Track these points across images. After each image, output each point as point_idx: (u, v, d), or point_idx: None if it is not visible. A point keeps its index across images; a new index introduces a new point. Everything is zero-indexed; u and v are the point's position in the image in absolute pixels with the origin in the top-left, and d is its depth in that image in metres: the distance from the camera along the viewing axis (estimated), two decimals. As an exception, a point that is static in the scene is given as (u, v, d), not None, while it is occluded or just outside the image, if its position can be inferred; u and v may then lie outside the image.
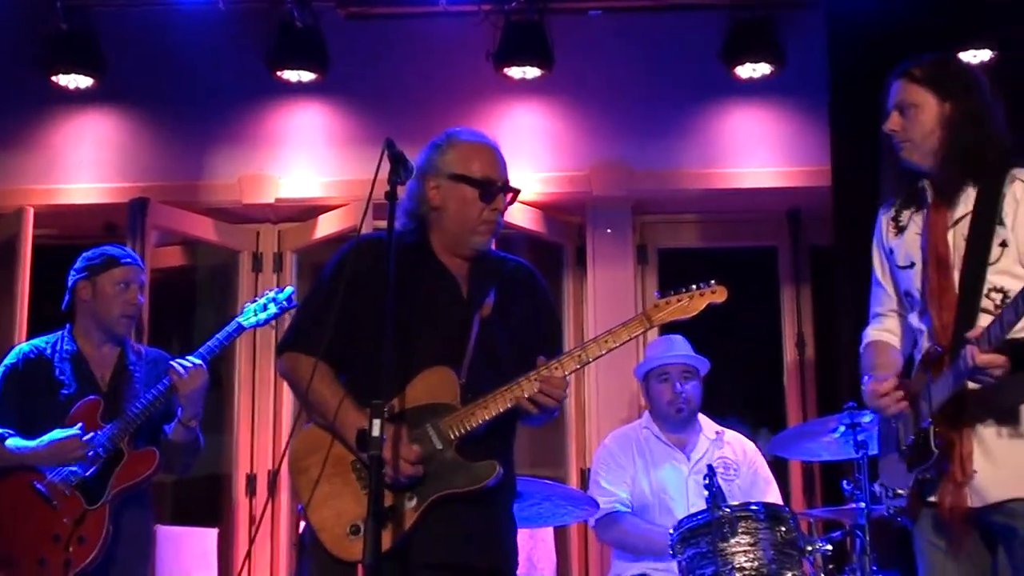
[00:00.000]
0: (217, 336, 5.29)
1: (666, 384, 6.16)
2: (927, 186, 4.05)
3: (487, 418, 3.81)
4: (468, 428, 3.81)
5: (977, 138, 3.96)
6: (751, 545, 4.93)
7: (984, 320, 3.72)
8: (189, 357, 5.13)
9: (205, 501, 7.68)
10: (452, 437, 3.80)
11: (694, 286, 3.93)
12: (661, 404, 6.17)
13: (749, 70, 7.26)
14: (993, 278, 3.82)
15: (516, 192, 4.13)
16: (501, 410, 3.80)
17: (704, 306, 3.92)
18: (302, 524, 4.03)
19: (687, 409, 6.15)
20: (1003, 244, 3.85)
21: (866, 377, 4.11)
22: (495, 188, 4.05)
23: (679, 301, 3.92)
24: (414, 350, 3.86)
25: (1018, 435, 3.81)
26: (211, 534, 7.03)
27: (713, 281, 3.92)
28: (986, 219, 3.88)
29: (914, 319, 4.07)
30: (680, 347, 6.26)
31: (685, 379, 6.17)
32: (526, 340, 3.98)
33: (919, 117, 4.01)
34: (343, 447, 3.85)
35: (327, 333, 3.78)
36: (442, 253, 4.07)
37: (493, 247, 4.30)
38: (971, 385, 3.69)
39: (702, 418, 6.27)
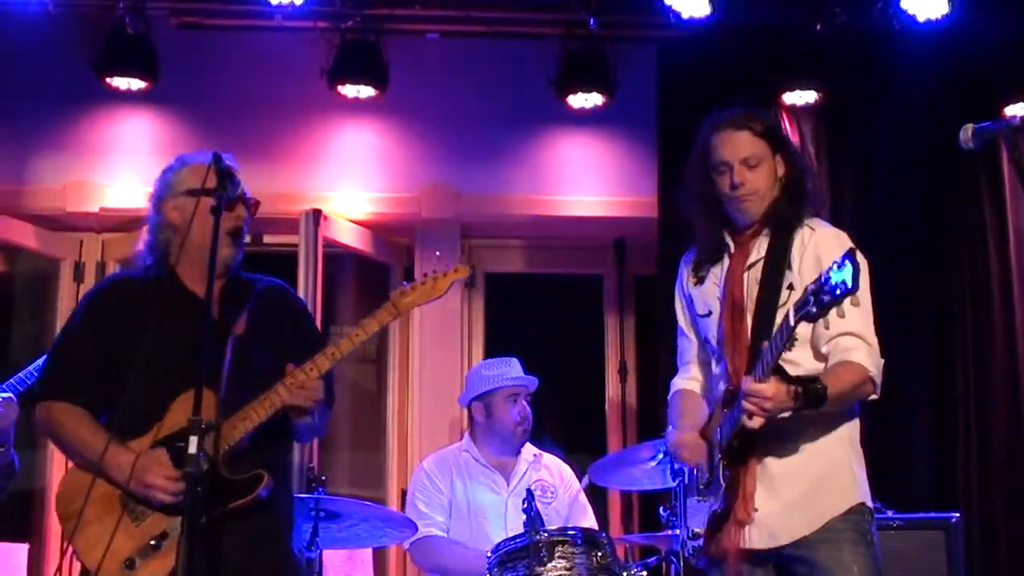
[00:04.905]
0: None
1: (516, 405, 6.13)
2: (727, 237, 4.15)
3: (249, 428, 3.81)
4: (232, 442, 3.80)
5: (804, 188, 4.11)
6: (567, 569, 4.97)
7: None
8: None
9: (16, 515, 7.48)
10: (218, 454, 3.78)
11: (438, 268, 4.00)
12: (509, 424, 6.11)
13: (580, 99, 7.34)
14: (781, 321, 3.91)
15: (257, 203, 4.13)
16: (262, 418, 3.81)
17: (449, 285, 4.01)
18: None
19: (529, 430, 6.18)
20: (790, 287, 3.95)
21: (670, 428, 4.20)
22: (234, 196, 4.01)
23: (424, 284, 4.00)
24: (172, 378, 3.84)
25: (801, 475, 3.94)
26: (22, 549, 6.86)
27: (455, 261, 3.96)
28: (776, 263, 4.00)
29: (714, 365, 4.17)
30: (521, 369, 6.24)
31: (528, 401, 6.19)
32: (289, 353, 3.95)
33: (765, 170, 4.08)
34: (110, 485, 3.81)
35: (79, 377, 3.81)
36: (190, 280, 4.03)
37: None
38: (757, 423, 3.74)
39: (523, 441, 6.30)
